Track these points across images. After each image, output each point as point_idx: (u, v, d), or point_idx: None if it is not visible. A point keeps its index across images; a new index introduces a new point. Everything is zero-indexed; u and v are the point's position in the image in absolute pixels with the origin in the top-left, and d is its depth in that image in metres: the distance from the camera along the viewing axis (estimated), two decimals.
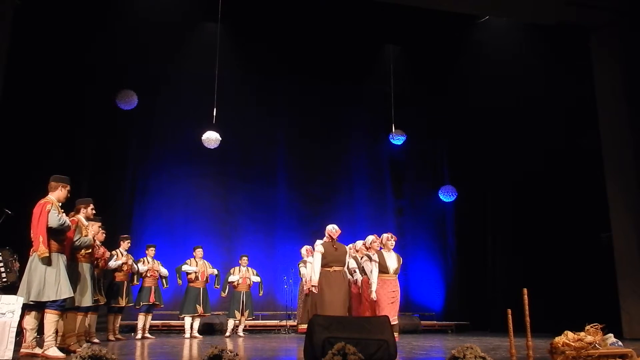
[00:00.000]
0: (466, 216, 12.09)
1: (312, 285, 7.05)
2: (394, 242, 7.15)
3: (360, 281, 7.20)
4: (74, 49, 9.73)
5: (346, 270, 7.16)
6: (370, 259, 6.96)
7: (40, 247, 4.75)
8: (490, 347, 6.23)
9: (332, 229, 7.06)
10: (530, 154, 10.61)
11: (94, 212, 5.80)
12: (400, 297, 7.14)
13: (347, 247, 7.49)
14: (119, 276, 7.97)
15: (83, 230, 5.53)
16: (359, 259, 7.36)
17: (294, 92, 11.69)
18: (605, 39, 9.40)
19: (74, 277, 5.34)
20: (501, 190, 11.23)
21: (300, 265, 8.73)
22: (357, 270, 7.27)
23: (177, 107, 11.08)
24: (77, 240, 5.36)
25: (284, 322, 9.83)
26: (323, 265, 6.86)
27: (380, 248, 7.25)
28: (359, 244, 7.69)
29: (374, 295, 6.66)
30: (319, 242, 7.52)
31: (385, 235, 7.16)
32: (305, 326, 8.08)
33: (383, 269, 6.86)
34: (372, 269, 6.81)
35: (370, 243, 7.27)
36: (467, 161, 11.95)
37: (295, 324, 9.31)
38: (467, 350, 3.47)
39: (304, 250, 8.78)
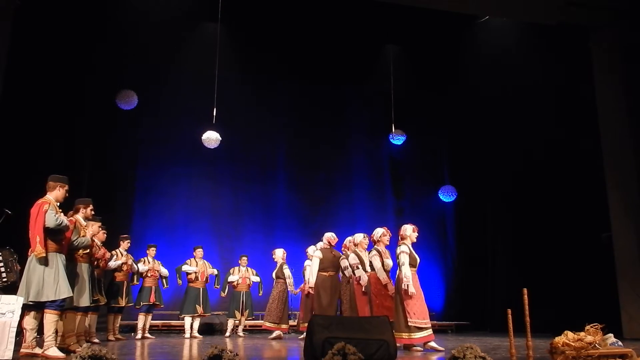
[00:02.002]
0: (466, 216, 12.09)
1: (310, 287, 7.33)
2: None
3: (365, 279, 6.71)
4: (74, 49, 9.73)
5: (342, 270, 7.22)
6: (379, 253, 6.46)
7: (37, 247, 4.74)
8: (490, 347, 6.23)
9: (332, 237, 7.72)
10: (530, 154, 10.61)
11: (93, 212, 5.80)
12: None
13: (346, 241, 7.49)
14: (119, 276, 7.97)
15: (81, 230, 5.53)
16: (363, 253, 6.93)
17: (294, 92, 11.69)
18: (605, 39, 9.41)
19: (72, 277, 5.34)
20: (501, 190, 11.23)
21: (284, 267, 8.72)
22: (359, 267, 6.80)
23: (177, 107, 11.07)
24: (74, 240, 5.37)
25: None
26: (320, 270, 7.44)
27: (389, 245, 6.81)
28: (359, 237, 7.19)
29: (412, 290, 5.91)
30: (314, 248, 7.88)
31: (410, 227, 6.36)
32: (270, 325, 8.44)
33: (412, 262, 6.14)
34: (405, 262, 6.06)
35: (380, 236, 6.63)
36: (467, 161, 11.94)
37: (294, 323, 9.33)
38: (467, 350, 3.47)
39: (281, 252, 8.86)
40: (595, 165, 9.32)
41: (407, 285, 5.90)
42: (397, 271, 6.21)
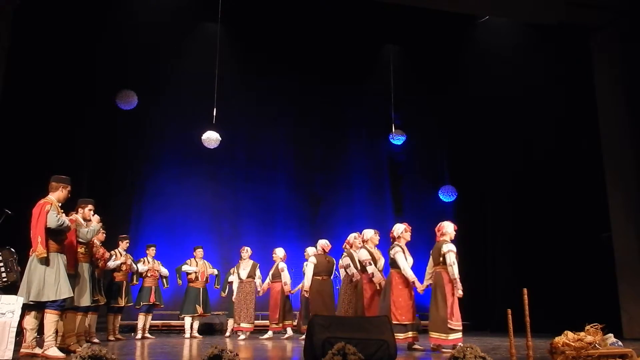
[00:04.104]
0: (466, 216, 12.07)
1: (305, 291, 7.46)
2: None
3: (378, 276, 6.46)
4: (74, 49, 9.72)
5: (345, 268, 7.18)
6: (402, 249, 6.22)
7: (38, 247, 4.76)
8: (490, 347, 6.23)
9: (325, 244, 7.87)
10: (530, 154, 10.61)
11: (91, 212, 5.80)
12: None
13: (350, 237, 7.35)
14: (118, 276, 7.99)
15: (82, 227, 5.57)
16: (373, 250, 6.69)
17: (293, 92, 11.68)
18: (606, 39, 9.40)
19: (73, 277, 5.35)
20: (501, 190, 11.22)
21: (257, 268, 8.74)
22: (371, 263, 6.52)
23: (177, 107, 11.07)
24: (87, 232, 5.41)
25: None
26: (315, 274, 7.58)
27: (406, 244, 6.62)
28: (369, 232, 6.84)
29: (460, 293, 5.89)
30: (314, 250, 8.05)
31: (451, 224, 6.33)
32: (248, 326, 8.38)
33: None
34: (454, 261, 5.91)
35: (402, 232, 6.34)
36: (467, 161, 11.93)
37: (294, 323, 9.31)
38: (467, 350, 3.48)
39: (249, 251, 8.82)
40: (595, 165, 9.32)
41: (458, 288, 5.89)
42: (433, 270, 6.18)
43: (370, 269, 6.49)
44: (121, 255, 8.01)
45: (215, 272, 8.90)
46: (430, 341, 5.97)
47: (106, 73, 10.29)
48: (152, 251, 8.60)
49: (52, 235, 4.89)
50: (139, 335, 8.13)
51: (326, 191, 12.02)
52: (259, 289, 8.61)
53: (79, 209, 5.71)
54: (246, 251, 8.77)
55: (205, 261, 8.88)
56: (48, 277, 4.81)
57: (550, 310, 8.89)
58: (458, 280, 5.93)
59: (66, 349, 5.30)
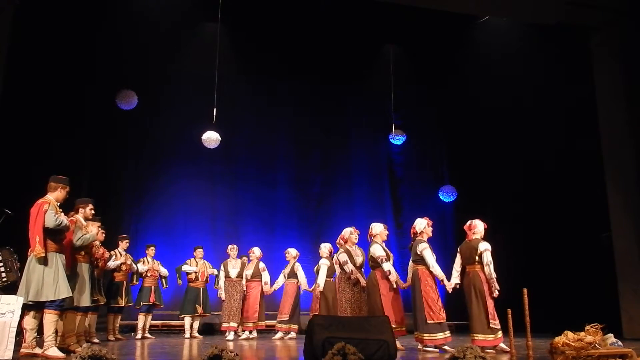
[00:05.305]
0: (466, 216, 12.02)
1: (320, 292, 7.60)
2: None
3: (393, 273, 6.20)
4: (74, 48, 9.73)
5: (341, 265, 7.01)
6: (429, 245, 6.09)
7: (36, 247, 4.76)
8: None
9: (331, 247, 8.07)
10: (530, 154, 10.61)
11: (92, 212, 5.80)
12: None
13: (346, 232, 7.10)
14: (118, 276, 7.99)
15: (82, 229, 5.54)
16: (383, 245, 6.42)
17: (293, 91, 11.67)
18: (605, 39, 9.40)
19: (73, 277, 5.35)
20: (501, 190, 11.22)
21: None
22: (387, 259, 6.22)
23: (177, 107, 11.06)
24: (78, 239, 5.37)
25: None
26: (327, 276, 7.78)
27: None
28: (378, 227, 6.53)
29: (497, 292, 5.81)
30: (329, 247, 8.21)
31: (481, 222, 6.19)
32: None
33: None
34: (491, 260, 5.80)
35: (424, 227, 6.19)
36: (467, 161, 11.92)
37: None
38: (467, 350, 3.48)
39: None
40: (595, 165, 9.32)
41: (495, 288, 5.82)
42: (461, 269, 6.14)
43: (387, 266, 6.19)
44: (121, 255, 8.01)
45: (215, 272, 8.87)
46: (474, 343, 5.78)
47: (106, 73, 10.29)
48: (151, 251, 8.60)
49: (50, 235, 4.89)
50: (139, 335, 8.13)
51: (326, 191, 12.00)
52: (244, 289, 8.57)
53: (80, 209, 5.70)
54: (235, 249, 8.65)
55: (205, 261, 8.88)
56: (47, 277, 4.81)
57: (550, 310, 8.88)
58: (495, 280, 5.85)
59: (66, 349, 5.30)
